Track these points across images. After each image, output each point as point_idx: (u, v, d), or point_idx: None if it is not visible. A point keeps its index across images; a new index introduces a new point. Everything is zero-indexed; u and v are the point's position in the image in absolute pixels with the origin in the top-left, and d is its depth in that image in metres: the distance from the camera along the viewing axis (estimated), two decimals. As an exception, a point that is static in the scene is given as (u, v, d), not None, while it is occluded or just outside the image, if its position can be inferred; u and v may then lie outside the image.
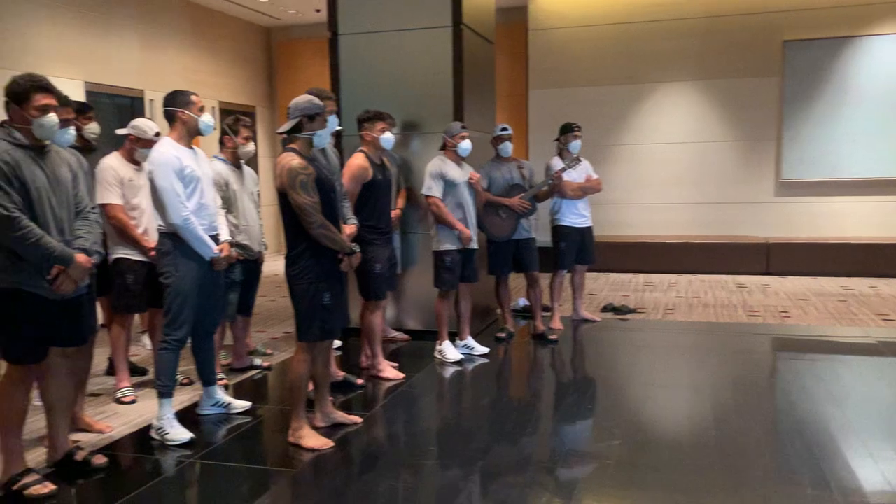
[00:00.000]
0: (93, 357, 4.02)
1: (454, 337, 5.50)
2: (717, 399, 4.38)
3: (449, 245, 5.19)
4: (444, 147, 5.28)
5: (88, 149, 4.56)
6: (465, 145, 5.22)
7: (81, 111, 4.64)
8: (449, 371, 5.14)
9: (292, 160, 3.55)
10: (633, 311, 7.00)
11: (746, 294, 7.82)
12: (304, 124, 3.63)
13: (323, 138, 3.72)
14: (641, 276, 9.20)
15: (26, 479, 3.16)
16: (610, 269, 9.35)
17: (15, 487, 3.14)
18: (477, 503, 3.11)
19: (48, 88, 3.11)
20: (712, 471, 3.34)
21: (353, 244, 3.77)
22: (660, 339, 6.05)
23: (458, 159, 5.28)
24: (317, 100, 3.68)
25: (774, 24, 9.37)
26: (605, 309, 7.07)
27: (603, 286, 8.51)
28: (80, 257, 3.14)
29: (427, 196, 5.18)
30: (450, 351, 5.33)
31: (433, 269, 5.32)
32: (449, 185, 5.18)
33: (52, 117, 3.09)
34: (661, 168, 9.96)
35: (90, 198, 3.45)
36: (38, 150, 3.12)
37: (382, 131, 4.81)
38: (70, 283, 3.12)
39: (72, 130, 3.49)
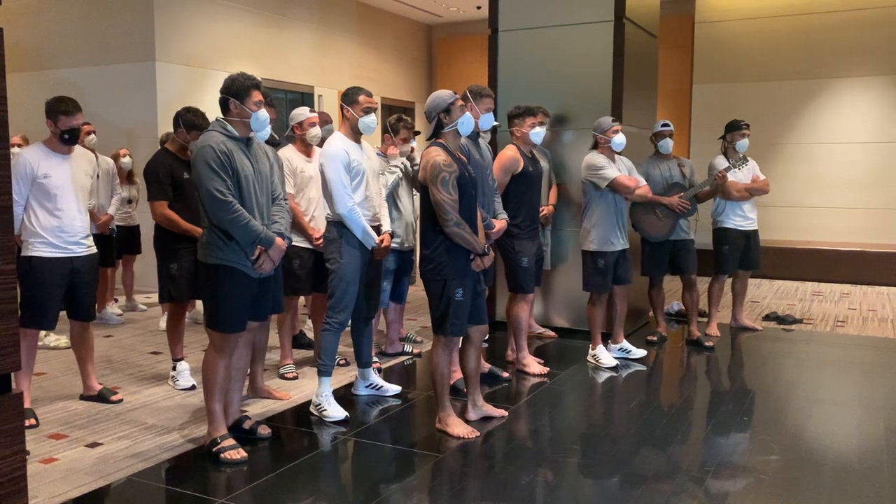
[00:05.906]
0: (269, 332, 4.37)
1: (607, 340, 5.34)
2: (892, 421, 4.03)
3: (597, 247, 4.95)
4: (595, 145, 5.03)
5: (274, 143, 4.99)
6: (619, 139, 4.94)
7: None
8: (596, 372, 5.08)
9: (437, 155, 3.61)
10: (798, 321, 6.58)
11: (932, 310, 7.12)
12: (443, 120, 3.70)
13: (467, 125, 3.72)
14: (809, 285, 8.60)
15: (224, 444, 3.47)
16: (775, 276, 8.83)
17: (214, 450, 3.46)
18: (621, 506, 3.06)
19: (260, 87, 3.46)
20: (881, 497, 3.09)
21: (487, 245, 3.77)
22: (828, 353, 5.64)
23: (612, 155, 5.01)
24: (444, 93, 3.72)
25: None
26: (767, 318, 6.69)
27: (766, 293, 8.05)
28: (279, 240, 3.43)
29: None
30: (604, 356, 5.13)
31: (582, 270, 5.12)
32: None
33: (265, 112, 3.44)
34: (836, 169, 9.27)
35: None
36: (246, 142, 3.44)
37: (532, 126, 4.81)
38: (269, 263, 3.42)
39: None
